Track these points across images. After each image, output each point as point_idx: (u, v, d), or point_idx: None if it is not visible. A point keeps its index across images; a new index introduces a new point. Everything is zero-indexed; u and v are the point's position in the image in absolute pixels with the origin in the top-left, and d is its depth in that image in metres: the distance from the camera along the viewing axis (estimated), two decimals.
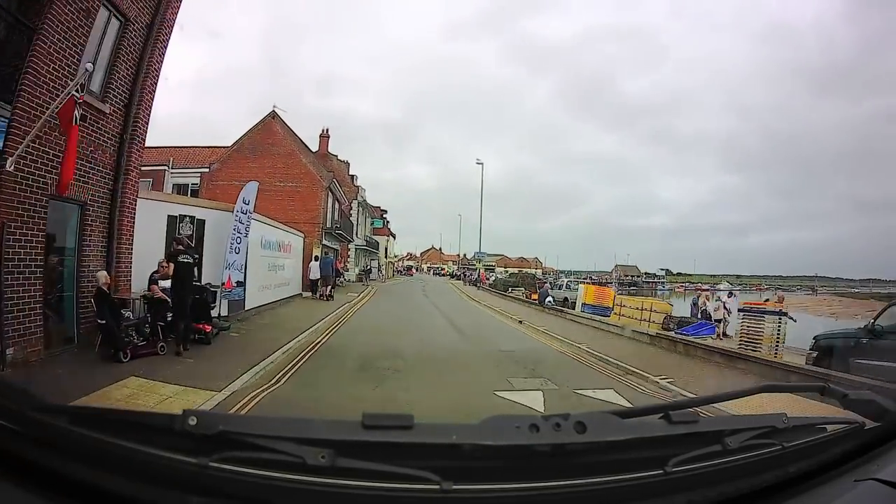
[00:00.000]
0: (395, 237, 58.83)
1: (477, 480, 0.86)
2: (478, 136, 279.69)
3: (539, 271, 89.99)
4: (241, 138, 24.66)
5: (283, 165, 23.94)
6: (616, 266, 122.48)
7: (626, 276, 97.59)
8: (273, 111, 25.08)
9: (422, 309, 18.51)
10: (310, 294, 18.34)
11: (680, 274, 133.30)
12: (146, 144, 8.67)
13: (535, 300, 21.10)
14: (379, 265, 44.63)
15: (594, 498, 0.89)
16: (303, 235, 18.73)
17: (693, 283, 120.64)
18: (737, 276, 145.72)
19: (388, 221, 54.35)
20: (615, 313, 15.48)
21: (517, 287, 30.50)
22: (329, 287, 18.12)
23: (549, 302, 18.45)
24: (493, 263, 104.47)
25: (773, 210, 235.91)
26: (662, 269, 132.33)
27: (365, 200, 41.53)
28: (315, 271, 18.29)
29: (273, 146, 24.22)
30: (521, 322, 14.51)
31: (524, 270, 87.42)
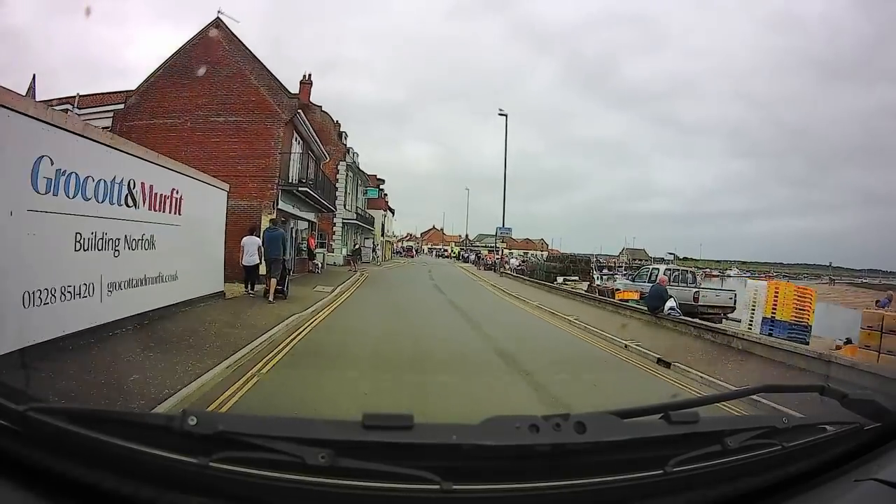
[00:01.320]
0: (393, 213, 49.77)
1: (477, 480, 0.84)
2: (480, 119, 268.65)
3: (544, 253, 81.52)
4: (169, 58, 15.54)
5: (224, 92, 14.77)
6: (624, 249, 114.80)
7: (635, 260, 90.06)
8: (217, 18, 15.91)
9: (440, 322, 9.87)
10: (245, 290, 10.89)
11: (686, 259, 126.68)
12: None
13: (623, 301, 12.41)
14: (374, 245, 35.70)
15: (594, 498, 0.87)
16: (226, 189, 9.80)
17: (700, 268, 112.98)
18: (742, 263, 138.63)
19: (385, 194, 45.15)
20: (864, 345, 6.90)
21: (569, 275, 21.41)
22: (276, 279, 10.27)
23: (672, 310, 9.75)
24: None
25: (776, 198, 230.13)
26: (671, 254, 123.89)
27: (356, 164, 32.42)
28: (251, 252, 9.44)
29: (214, 66, 15.05)
30: (668, 365, 5.77)
31: (531, 252, 78.96)
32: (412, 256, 63.47)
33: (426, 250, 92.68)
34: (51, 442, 0.84)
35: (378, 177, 41.86)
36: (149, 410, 3.53)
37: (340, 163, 29.57)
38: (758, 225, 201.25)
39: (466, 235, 77.70)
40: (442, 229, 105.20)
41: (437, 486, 0.80)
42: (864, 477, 1.01)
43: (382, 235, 41.93)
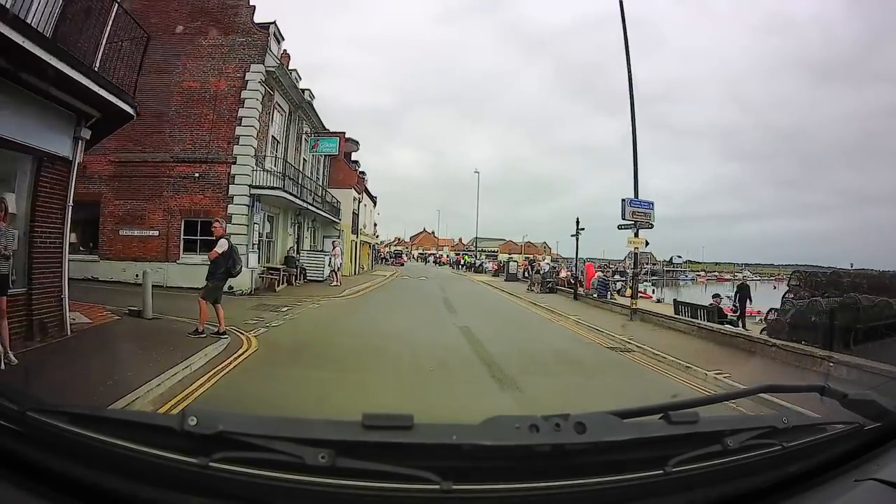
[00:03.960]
0: (375, 202, 32.81)
1: (477, 480, 0.82)
2: (471, 124, 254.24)
3: (546, 258, 64.48)
4: None
5: None
6: (630, 253, 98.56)
7: (643, 264, 74.27)
8: None
9: None
10: None
11: (689, 262, 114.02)
12: None
13: None
14: (335, 249, 18.31)
15: (594, 498, 0.85)
16: None
17: (708, 271, 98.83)
18: (745, 265, 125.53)
19: (363, 173, 28.31)
20: None
21: None
22: None
23: None
24: (497, 249, 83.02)
25: (770, 199, 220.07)
26: (679, 256, 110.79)
27: (295, 85, 15.58)
28: None
29: None
30: None
31: (531, 257, 63.36)
32: (402, 264, 46.76)
33: (416, 256, 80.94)
34: (51, 442, 0.82)
35: (350, 137, 24.81)
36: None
37: (252, 66, 12.83)
38: (748, 226, 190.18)
39: (459, 239, 61.36)
40: (433, 233, 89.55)
41: (437, 486, 0.77)
42: (864, 477, 0.99)
43: (356, 233, 25.09)
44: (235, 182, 13.33)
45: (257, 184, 13.56)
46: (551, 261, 30.43)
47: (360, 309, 12.10)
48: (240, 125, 13.69)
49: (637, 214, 11.88)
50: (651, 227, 12.11)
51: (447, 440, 0.81)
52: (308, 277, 16.62)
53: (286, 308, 10.34)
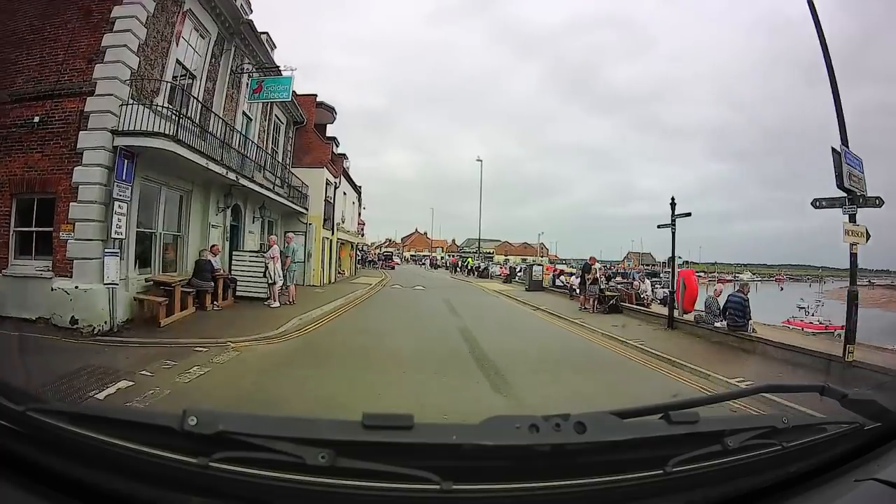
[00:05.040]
0: (359, 192, 26.84)
1: (477, 480, 0.81)
2: (462, 125, 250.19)
3: (542, 258, 62.97)
4: None
5: None
6: (629, 253, 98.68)
7: (644, 265, 75.34)
8: None
9: None
10: None
11: (687, 263, 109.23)
12: None
13: None
14: (272, 244, 11.57)
15: (594, 498, 0.84)
16: None
17: (707, 272, 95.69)
18: (744, 265, 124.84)
19: (344, 156, 22.40)
20: None
21: None
22: None
23: None
24: (492, 251, 77.70)
25: (763, 198, 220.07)
26: (679, 257, 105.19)
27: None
28: None
29: None
30: None
31: (528, 259, 60.36)
32: (393, 267, 40.56)
33: (408, 257, 76.06)
34: (51, 442, 0.81)
35: (323, 102, 18.72)
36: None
37: None
38: (740, 226, 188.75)
39: (452, 240, 56.05)
40: (426, 233, 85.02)
41: (437, 486, 0.76)
42: (864, 477, 0.97)
43: (330, 229, 19.08)
44: (89, 126, 7.12)
45: (128, 128, 7.18)
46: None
47: (278, 395, 4.44)
48: (110, 31, 7.63)
49: (853, 179, 6.20)
50: (878, 206, 5.97)
51: (447, 440, 0.80)
52: (239, 293, 10.30)
53: (109, 387, 4.14)
